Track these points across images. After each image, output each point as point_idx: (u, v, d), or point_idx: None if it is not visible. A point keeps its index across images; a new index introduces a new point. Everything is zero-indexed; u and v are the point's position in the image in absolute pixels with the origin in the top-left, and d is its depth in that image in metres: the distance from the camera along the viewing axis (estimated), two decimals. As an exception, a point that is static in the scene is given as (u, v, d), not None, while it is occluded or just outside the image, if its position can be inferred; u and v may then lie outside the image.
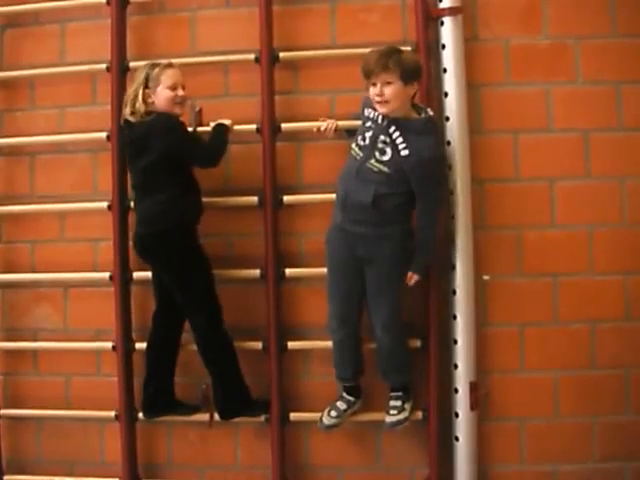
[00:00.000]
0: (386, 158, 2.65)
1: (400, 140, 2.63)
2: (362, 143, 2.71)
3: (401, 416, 2.83)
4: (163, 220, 2.77)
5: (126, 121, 2.80)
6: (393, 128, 2.65)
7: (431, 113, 2.73)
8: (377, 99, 2.61)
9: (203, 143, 2.86)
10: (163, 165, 2.74)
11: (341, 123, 2.88)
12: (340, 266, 2.80)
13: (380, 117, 2.67)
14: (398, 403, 2.84)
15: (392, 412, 2.84)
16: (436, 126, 2.76)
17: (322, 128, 2.85)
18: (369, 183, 2.66)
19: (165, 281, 2.86)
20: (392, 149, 2.64)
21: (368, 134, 2.70)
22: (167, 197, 2.76)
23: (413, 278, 2.76)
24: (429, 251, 2.76)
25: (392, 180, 2.64)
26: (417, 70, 2.64)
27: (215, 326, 2.85)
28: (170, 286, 2.84)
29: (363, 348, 2.88)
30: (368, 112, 2.73)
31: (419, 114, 2.70)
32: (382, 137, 2.66)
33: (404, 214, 2.71)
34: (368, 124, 2.72)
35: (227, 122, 2.90)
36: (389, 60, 2.57)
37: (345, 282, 2.80)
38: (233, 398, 2.89)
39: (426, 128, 2.66)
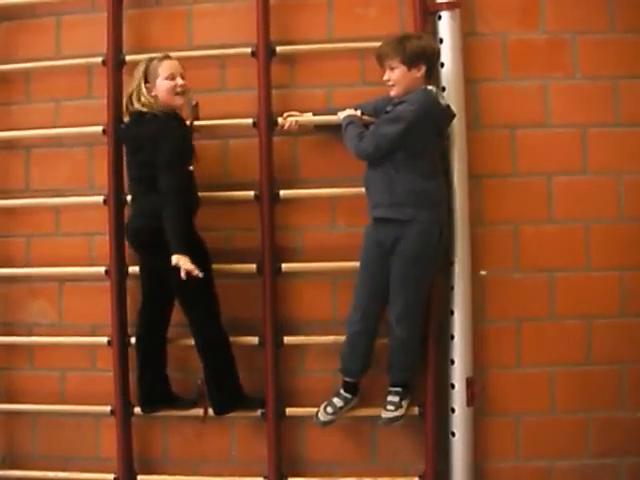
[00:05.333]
0: None
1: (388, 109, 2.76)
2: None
3: (398, 413, 2.83)
4: (160, 215, 2.75)
5: (134, 113, 2.77)
6: (390, 107, 2.74)
7: (425, 87, 2.73)
8: (387, 84, 2.74)
9: (178, 179, 2.72)
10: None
11: (316, 118, 2.93)
12: (366, 258, 2.80)
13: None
14: (396, 399, 2.84)
15: (389, 408, 2.83)
16: (418, 95, 2.69)
17: (286, 127, 2.90)
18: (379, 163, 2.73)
19: (162, 276, 2.83)
20: None
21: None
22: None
23: None
24: None
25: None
26: (421, 54, 2.71)
27: (211, 323, 2.84)
28: (168, 281, 2.83)
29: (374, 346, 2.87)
30: (388, 105, 2.80)
31: None
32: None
33: (423, 190, 2.70)
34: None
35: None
36: (389, 47, 2.72)
37: (369, 276, 2.79)
38: (227, 395, 2.89)
39: (407, 98, 2.69)
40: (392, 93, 2.75)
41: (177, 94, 2.76)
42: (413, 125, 2.64)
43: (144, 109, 2.74)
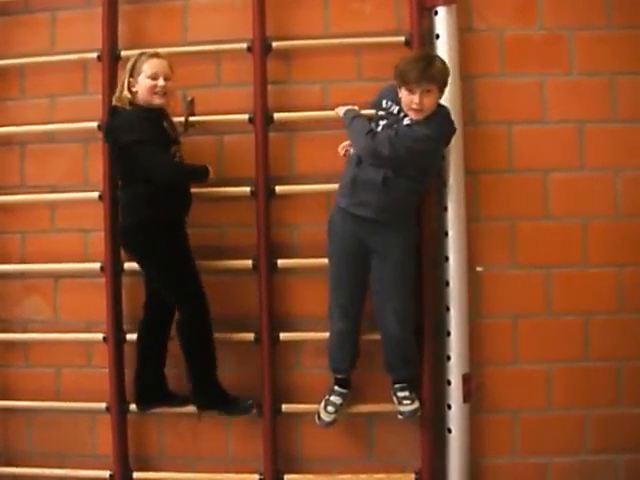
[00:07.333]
0: None
1: (406, 122, 2.66)
2: (376, 130, 2.72)
3: (416, 404, 2.82)
4: (138, 212, 2.74)
5: (111, 108, 2.78)
6: (403, 115, 2.68)
7: (445, 106, 2.72)
8: (415, 107, 2.60)
9: (165, 158, 2.73)
10: (131, 158, 2.69)
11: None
12: (345, 254, 2.78)
13: (396, 109, 2.70)
14: (407, 393, 2.83)
15: (406, 402, 2.82)
16: (440, 120, 2.68)
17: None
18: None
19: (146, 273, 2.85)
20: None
21: (382, 122, 2.72)
22: (141, 189, 2.72)
23: None
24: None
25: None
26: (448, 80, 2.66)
27: (195, 321, 2.82)
28: (151, 278, 2.84)
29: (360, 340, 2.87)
30: (386, 103, 2.74)
31: None
32: (395, 126, 2.68)
33: (413, 200, 2.76)
34: (382, 113, 2.74)
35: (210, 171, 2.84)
36: (433, 71, 2.58)
37: (351, 272, 2.78)
38: (203, 392, 2.87)
39: (431, 115, 2.64)
40: (418, 116, 2.60)
41: (155, 94, 2.73)
42: (434, 150, 2.69)
43: (118, 104, 2.75)
